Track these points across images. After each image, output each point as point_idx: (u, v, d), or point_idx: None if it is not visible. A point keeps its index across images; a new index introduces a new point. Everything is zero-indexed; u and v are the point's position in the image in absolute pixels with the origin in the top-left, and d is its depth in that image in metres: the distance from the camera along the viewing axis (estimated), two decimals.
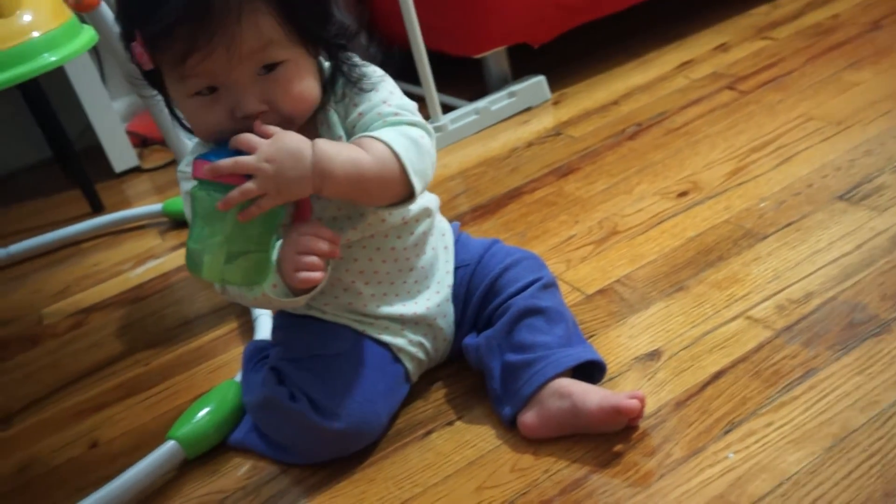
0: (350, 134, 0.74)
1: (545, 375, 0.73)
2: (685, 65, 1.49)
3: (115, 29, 0.74)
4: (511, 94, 1.48)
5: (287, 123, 0.69)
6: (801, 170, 1.05)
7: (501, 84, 1.51)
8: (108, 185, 1.70)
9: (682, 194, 1.08)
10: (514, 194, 1.20)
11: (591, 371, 0.76)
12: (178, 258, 1.30)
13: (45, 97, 1.58)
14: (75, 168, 1.57)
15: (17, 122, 1.85)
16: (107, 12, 0.89)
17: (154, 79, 0.72)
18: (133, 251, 1.37)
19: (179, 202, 1.40)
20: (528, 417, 0.73)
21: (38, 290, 1.31)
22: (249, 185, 0.64)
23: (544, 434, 0.73)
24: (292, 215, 0.71)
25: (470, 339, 0.81)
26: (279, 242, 0.71)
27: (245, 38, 0.65)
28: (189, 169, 0.71)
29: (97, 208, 1.58)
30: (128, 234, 1.45)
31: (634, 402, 0.69)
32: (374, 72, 0.76)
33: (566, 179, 1.20)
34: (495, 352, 0.77)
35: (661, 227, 1.02)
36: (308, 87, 0.70)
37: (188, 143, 1.06)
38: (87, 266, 1.36)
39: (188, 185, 0.72)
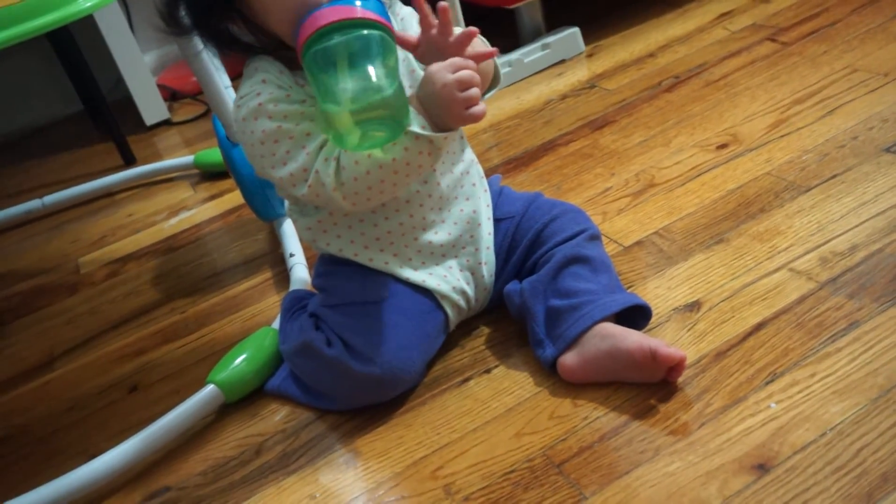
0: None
1: (591, 318, 0.73)
2: (724, 16, 1.45)
3: None
4: (545, 46, 1.45)
5: None
6: (846, 122, 1.02)
7: (535, 36, 1.48)
8: (139, 137, 1.70)
9: (722, 146, 1.05)
10: (549, 146, 1.18)
11: (636, 319, 0.76)
12: (209, 209, 1.30)
13: (77, 49, 1.58)
14: (108, 121, 1.57)
15: (49, 75, 1.86)
16: None
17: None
18: (166, 202, 1.37)
19: (210, 154, 1.41)
20: (569, 359, 0.73)
21: (75, 240, 1.32)
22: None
23: (582, 377, 0.73)
24: None
25: (513, 286, 0.81)
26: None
27: None
28: (254, 87, 0.72)
29: (129, 160, 1.59)
30: (160, 185, 1.45)
31: (673, 351, 0.69)
32: None
33: (601, 132, 1.18)
34: (539, 296, 0.77)
35: (700, 179, 1.00)
36: None
37: (225, 92, 1.06)
38: (122, 216, 1.37)
39: (256, 100, 0.72)
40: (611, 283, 0.78)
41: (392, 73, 0.64)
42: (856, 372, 0.67)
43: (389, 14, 0.69)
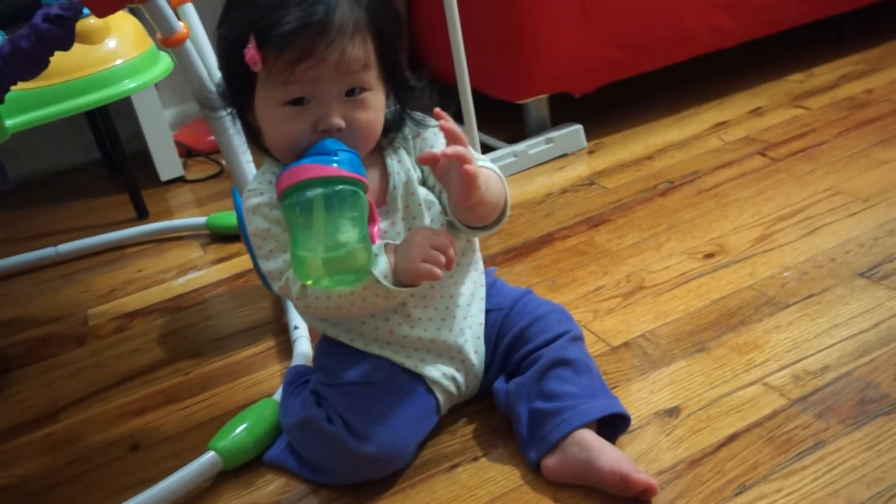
0: (423, 170, 0.84)
1: (571, 425, 0.77)
2: (720, 125, 1.54)
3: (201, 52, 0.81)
4: (549, 140, 1.53)
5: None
6: (826, 243, 1.09)
7: (540, 129, 1.57)
8: (153, 192, 1.76)
9: (709, 255, 1.12)
10: (547, 239, 1.25)
11: (616, 423, 0.80)
12: (218, 272, 1.36)
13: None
14: (125, 173, 1.63)
15: (69, 122, 1.93)
16: (188, 46, 0.96)
17: (241, 88, 0.78)
18: (175, 261, 1.43)
19: (223, 217, 1.47)
20: (550, 461, 0.78)
21: (85, 291, 1.37)
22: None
23: (562, 478, 0.77)
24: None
25: (500, 384, 0.86)
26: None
27: (353, 55, 0.74)
28: (261, 186, 0.81)
29: (142, 215, 1.64)
30: (171, 243, 1.51)
31: (643, 478, 0.72)
32: (427, 118, 0.85)
33: (597, 230, 1.25)
34: (524, 398, 0.82)
35: (687, 286, 1.06)
36: (379, 119, 0.80)
37: (245, 164, 1.12)
38: (132, 271, 1.42)
39: (258, 199, 0.80)
40: (592, 385, 0.83)
41: (361, 225, 0.72)
42: (819, 491, 0.72)
43: (416, 141, 0.77)
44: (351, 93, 0.76)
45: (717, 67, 1.78)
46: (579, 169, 1.48)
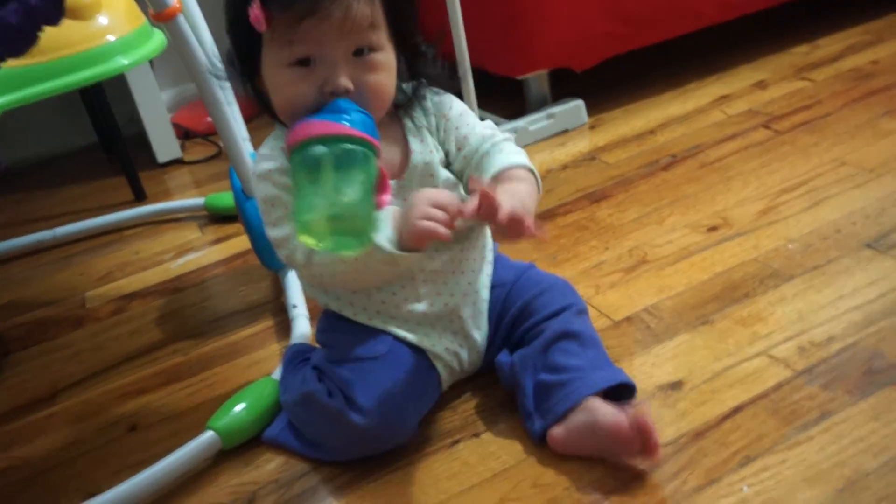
0: (453, 148, 0.83)
1: (579, 395, 0.76)
2: (723, 99, 1.52)
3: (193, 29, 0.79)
4: (549, 116, 1.52)
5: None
6: (831, 214, 1.08)
7: (540, 105, 1.55)
8: (151, 174, 1.75)
9: (713, 229, 1.11)
10: (548, 215, 1.23)
11: (621, 394, 0.79)
12: (216, 252, 1.34)
13: (99, 84, 1.64)
14: (122, 156, 1.62)
15: (66, 106, 1.91)
16: (181, 20, 0.94)
17: (248, 52, 0.76)
18: (173, 242, 1.42)
19: (221, 198, 1.45)
20: (557, 432, 0.77)
21: (83, 274, 1.36)
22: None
23: (568, 448, 0.76)
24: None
25: (503, 357, 0.85)
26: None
27: (359, 12, 0.72)
28: (272, 152, 0.79)
29: (140, 197, 1.63)
30: (168, 224, 1.50)
31: (644, 419, 0.71)
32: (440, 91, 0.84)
33: (599, 205, 1.24)
34: (529, 370, 0.81)
35: (690, 259, 1.05)
36: (390, 80, 0.77)
37: (241, 141, 1.10)
38: (129, 253, 1.41)
39: (268, 165, 0.79)
40: (598, 358, 0.82)
41: (367, 187, 0.69)
42: (824, 461, 0.71)
43: (440, 120, 0.79)
44: (359, 53, 0.74)
45: (719, 40, 1.75)
46: (580, 144, 1.46)
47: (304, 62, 0.73)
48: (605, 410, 0.75)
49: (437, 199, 0.72)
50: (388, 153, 0.80)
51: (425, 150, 0.82)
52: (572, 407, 0.76)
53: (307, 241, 0.69)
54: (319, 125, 0.69)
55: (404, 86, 0.83)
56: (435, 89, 0.84)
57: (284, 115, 0.77)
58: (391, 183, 0.79)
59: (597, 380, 0.77)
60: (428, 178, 0.82)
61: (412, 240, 0.73)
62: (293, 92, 0.74)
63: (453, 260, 0.84)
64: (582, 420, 0.75)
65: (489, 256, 0.89)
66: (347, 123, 0.70)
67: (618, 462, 0.75)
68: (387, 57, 0.76)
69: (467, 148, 0.83)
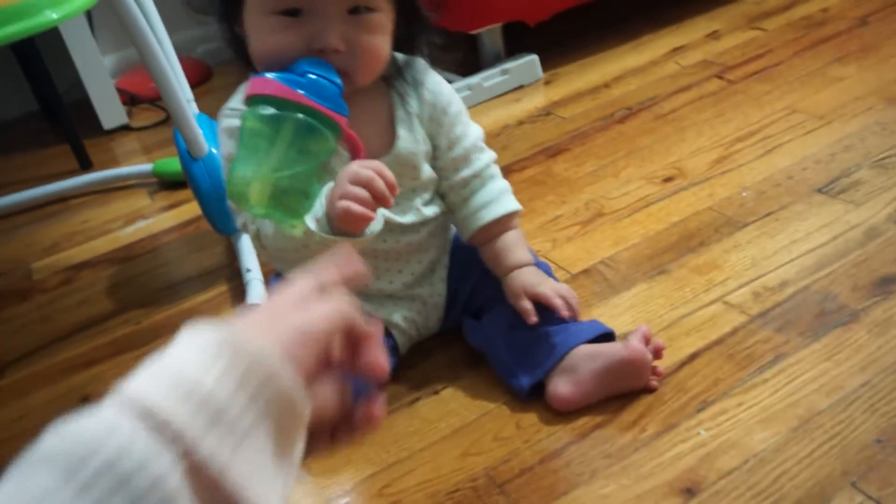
0: (444, 144, 0.80)
1: (567, 346, 0.76)
2: (677, 50, 1.51)
3: None
4: (504, 72, 1.49)
5: (351, 79, 0.69)
6: (783, 161, 1.08)
7: (495, 61, 1.52)
8: (96, 141, 1.69)
9: (668, 180, 1.11)
10: (504, 172, 1.18)
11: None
12: (167, 219, 1.31)
13: (36, 49, 1.57)
14: (65, 123, 1.56)
15: (4, 73, 1.84)
16: None
17: None
18: (122, 210, 1.37)
19: (169, 163, 1.41)
20: (562, 388, 0.75)
21: (28, 245, 1.31)
22: None
23: (579, 401, 0.75)
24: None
25: (471, 321, 0.84)
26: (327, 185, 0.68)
27: None
28: (239, 106, 0.72)
29: (85, 165, 1.57)
30: (117, 192, 1.45)
31: (650, 334, 0.75)
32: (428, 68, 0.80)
33: (555, 160, 1.23)
34: (503, 330, 0.79)
35: (647, 210, 1.05)
36: (385, 44, 0.71)
37: (186, 103, 1.07)
38: (76, 223, 1.36)
39: (234, 121, 0.72)
40: None
41: (316, 167, 0.64)
42: (779, 403, 0.72)
43: (426, 107, 0.77)
44: (355, 11, 0.68)
45: None
46: (536, 100, 1.45)
47: (292, 12, 0.67)
48: (608, 349, 0.75)
49: (359, 176, 0.64)
50: (370, 130, 0.75)
51: (412, 139, 0.78)
52: (560, 359, 0.75)
53: (237, 202, 0.64)
54: (273, 85, 0.63)
55: (398, 56, 0.78)
56: (435, 77, 0.80)
57: (261, 65, 0.70)
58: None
59: (581, 332, 0.77)
60: (410, 168, 0.78)
61: (339, 222, 0.66)
62: (274, 41, 0.68)
63: (416, 243, 0.81)
64: (588, 367, 0.74)
65: (449, 234, 0.87)
66: (323, 103, 0.63)
67: (575, 412, 0.75)
68: (384, 18, 0.70)
69: (458, 149, 0.80)
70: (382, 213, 0.69)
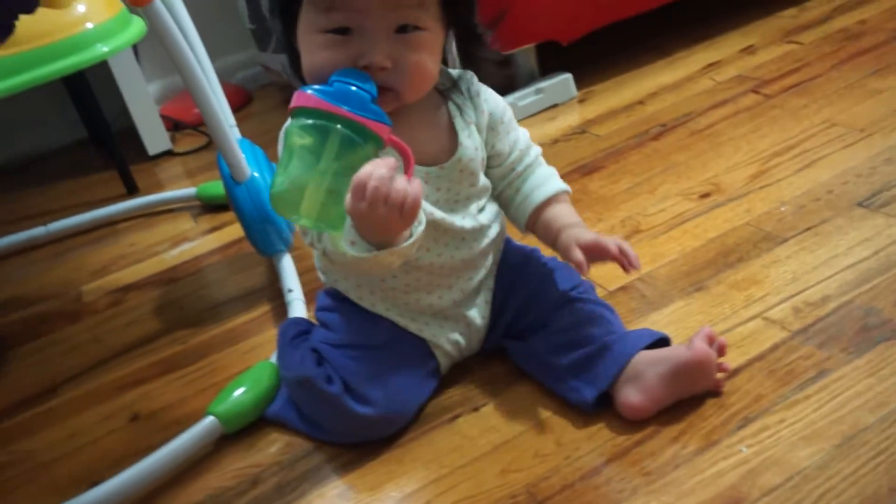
0: (506, 149, 0.83)
1: (628, 353, 0.76)
2: (711, 66, 1.51)
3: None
4: (538, 91, 1.51)
5: (399, 95, 0.72)
6: (822, 175, 1.08)
7: (529, 80, 1.54)
8: (142, 167, 1.74)
9: (705, 196, 1.10)
10: None
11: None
12: (210, 241, 1.34)
13: (85, 79, 1.63)
14: (112, 150, 1.61)
15: (54, 102, 1.90)
16: (158, 5, 0.93)
17: (287, 7, 0.74)
18: (167, 233, 1.41)
19: (213, 187, 1.45)
20: (632, 397, 0.75)
21: (78, 268, 1.36)
22: None
23: (652, 408, 0.75)
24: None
25: (516, 344, 0.85)
26: None
27: None
28: None
29: (132, 190, 1.62)
30: (162, 216, 1.49)
31: (713, 333, 0.76)
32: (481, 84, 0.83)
33: (591, 177, 1.23)
34: (555, 349, 0.80)
35: (683, 227, 1.05)
36: (432, 62, 0.73)
37: (228, 128, 1.10)
38: (124, 246, 1.40)
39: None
40: (621, 325, 0.83)
41: (347, 172, 0.64)
42: (822, 419, 0.71)
43: (479, 116, 0.79)
44: (402, 30, 0.70)
45: (707, 8, 1.74)
46: (570, 118, 1.46)
47: (341, 31, 0.70)
48: (671, 353, 0.75)
49: (358, 181, 0.64)
50: (431, 137, 0.78)
51: (472, 146, 0.80)
52: (623, 366, 0.75)
53: (285, 212, 0.66)
54: (310, 98, 0.65)
55: (451, 71, 0.81)
56: (487, 88, 0.83)
57: (311, 81, 0.72)
58: (430, 170, 0.77)
59: (637, 339, 0.78)
60: (469, 175, 0.80)
61: (360, 230, 0.68)
62: (325, 59, 0.70)
63: (470, 259, 0.83)
64: (655, 372, 0.74)
65: (499, 255, 0.88)
66: (349, 108, 0.65)
67: (616, 428, 0.75)
68: (432, 37, 0.72)
69: (515, 152, 0.84)
70: (423, 215, 0.72)
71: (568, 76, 1.53)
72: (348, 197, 0.65)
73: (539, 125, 1.46)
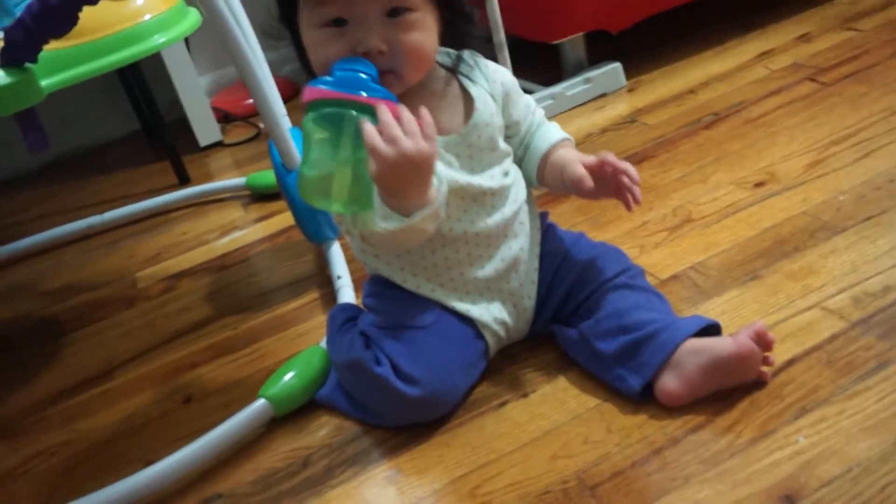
0: (521, 115, 0.87)
1: (673, 342, 0.75)
2: (765, 54, 1.48)
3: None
4: (587, 80, 1.49)
5: (401, 76, 0.74)
6: (883, 164, 1.05)
7: (577, 70, 1.53)
8: (193, 158, 1.77)
9: (759, 185, 1.08)
10: None
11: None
12: (260, 230, 1.36)
13: (140, 71, 1.66)
14: (165, 141, 1.65)
15: (109, 96, 1.95)
16: None
17: (288, 12, 0.77)
18: (218, 222, 1.44)
19: (262, 177, 1.47)
20: (670, 384, 0.74)
21: (132, 256, 1.39)
22: None
23: (688, 396, 0.74)
24: None
25: (565, 329, 0.84)
26: None
27: None
28: None
29: (184, 180, 1.66)
30: (212, 205, 1.52)
31: (761, 327, 0.73)
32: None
33: (641, 166, 1.22)
34: (605, 333, 0.79)
35: (737, 216, 1.03)
36: (428, 39, 0.75)
37: (281, 117, 1.11)
38: (176, 234, 1.43)
39: None
40: (670, 310, 0.82)
41: (345, 151, 0.68)
42: (884, 411, 0.69)
43: (492, 85, 0.81)
44: (394, 13, 0.73)
45: None
46: (619, 108, 1.44)
47: (337, 22, 0.73)
48: (714, 344, 0.74)
49: (381, 125, 0.68)
50: (445, 109, 0.80)
51: (488, 112, 0.82)
52: (668, 355, 0.75)
53: (315, 199, 0.70)
54: (322, 91, 0.68)
55: (450, 51, 0.82)
56: (489, 62, 0.85)
57: (320, 74, 0.75)
58: (449, 139, 0.79)
59: (684, 327, 0.76)
60: (488, 140, 0.81)
61: (390, 197, 0.71)
62: (327, 51, 0.74)
63: (504, 224, 0.83)
64: (694, 362, 0.74)
65: (536, 223, 0.88)
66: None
67: (667, 417, 0.74)
68: (423, 17, 0.74)
69: (528, 116, 0.87)
70: (442, 174, 0.75)
71: (617, 65, 1.51)
72: (370, 164, 0.68)
73: (587, 114, 1.44)
